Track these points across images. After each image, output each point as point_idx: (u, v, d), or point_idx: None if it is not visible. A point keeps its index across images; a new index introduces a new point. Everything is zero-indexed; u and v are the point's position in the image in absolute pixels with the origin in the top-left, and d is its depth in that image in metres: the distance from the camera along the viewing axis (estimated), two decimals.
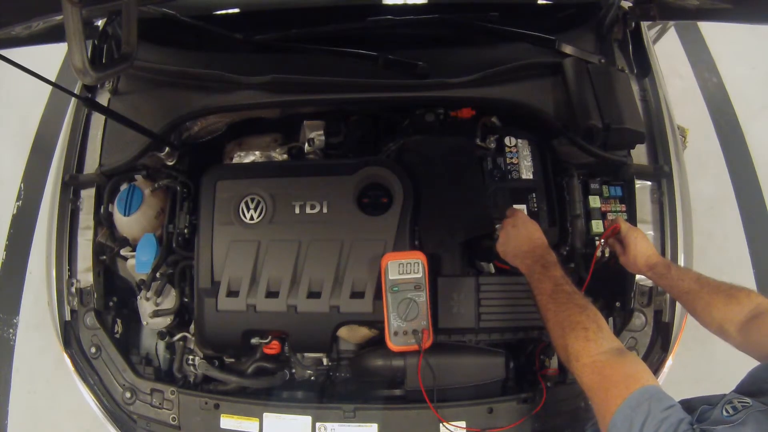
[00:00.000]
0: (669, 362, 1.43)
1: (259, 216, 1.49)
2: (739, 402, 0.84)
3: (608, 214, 1.57)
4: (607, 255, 1.53)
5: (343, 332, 1.49)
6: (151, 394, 1.46)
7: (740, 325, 1.07)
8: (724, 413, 0.83)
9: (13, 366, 2.68)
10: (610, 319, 1.55)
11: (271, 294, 1.44)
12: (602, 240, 1.47)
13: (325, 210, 1.48)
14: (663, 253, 1.51)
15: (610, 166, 1.59)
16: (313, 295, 1.44)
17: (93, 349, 1.52)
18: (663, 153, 1.60)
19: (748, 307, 1.08)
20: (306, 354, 1.56)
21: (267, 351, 1.53)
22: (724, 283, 1.17)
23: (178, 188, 1.67)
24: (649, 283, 1.47)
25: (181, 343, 1.62)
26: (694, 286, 1.20)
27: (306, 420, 1.38)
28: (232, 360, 1.60)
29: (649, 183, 1.58)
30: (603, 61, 1.63)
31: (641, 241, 1.34)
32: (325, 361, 1.56)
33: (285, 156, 1.71)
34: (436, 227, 1.49)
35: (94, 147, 1.70)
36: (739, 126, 3.17)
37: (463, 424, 1.34)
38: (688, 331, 1.44)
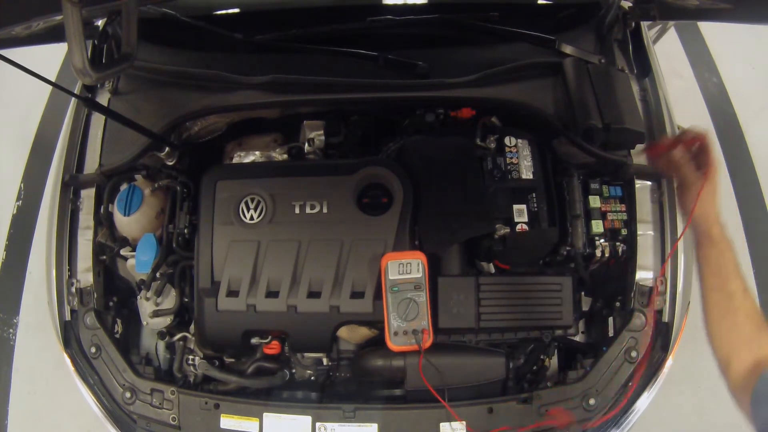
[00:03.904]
0: (669, 362, 1.43)
1: (259, 216, 1.49)
2: None
3: (608, 214, 1.57)
4: (607, 255, 1.53)
5: (343, 332, 1.49)
6: (151, 394, 1.46)
7: (746, 367, 0.94)
8: None
9: (13, 366, 2.68)
10: (610, 319, 1.55)
11: (271, 294, 1.44)
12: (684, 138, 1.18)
13: (325, 210, 1.48)
14: (663, 253, 1.51)
15: (610, 166, 1.58)
16: (313, 295, 1.44)
17: (93, 349, 1.52)
18: None
19: (764, 354, 0.94)
20: (306, 354, 1.56)
21: (267, 351, 1.53)
22: (759, 312, 1.00)
23: (178, 188, 1.67)
24: (649, 283, 1.47)
25: (181, 343, 1.61)
26: (739, 298, 1.00)
27: (306, 420, 1.38)
28: (232, 360, 1.60)
29: (649, 183, 1.57)
30: (603, 61, 1.63)
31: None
32: (325, 361, 1.56)
33: (285, 156, 1.71)
34: (436, 227, 1.49)
35: (94, 147, 1.70)
36: (739, 126, 3.17)
37: (463, 424, 1.34)
38: (688, 331, 1.43)
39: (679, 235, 1.45)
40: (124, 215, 1.62)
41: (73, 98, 1.71)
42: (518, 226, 1.48)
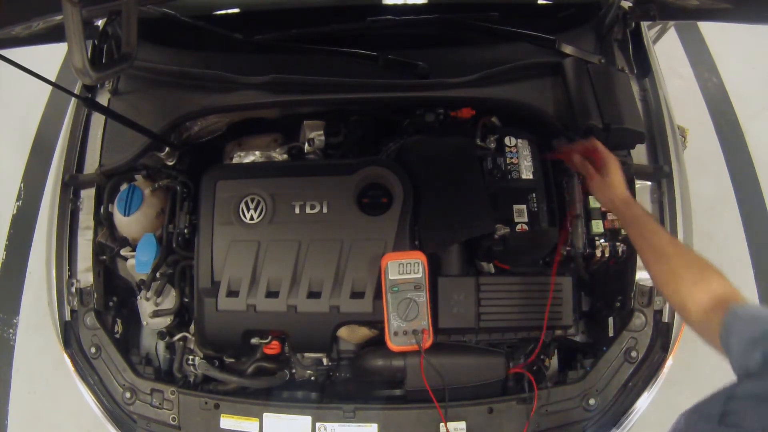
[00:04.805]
0: (669, 362, 1.43)
1: (259, 216, 1.49)
2: None
3: (608, 213, 1.57)
4: (607, 255, 1.53)
5: (343, 332, 1.49)
6: (151, 394, 1.46)
7: (704, 307, 1.00)
8: None
9: (13, 366, 2.68)
10: (610, 319, 1.55)
11: (271, 294, 1.44)
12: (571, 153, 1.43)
13: (325, 210, 1.48)
14: None
15: None
16: (313, 295, 1.44)
17: (93, 349, 1.52)
18: (663, 153, 1.60)
19: (717, 291, 1.01)
20: (306, 354, 1.56)
21: (267, 351, 1.53)
22: (698, 258, 1.10)
23: (178, 188, 1.67)
24: (649, 282, 1.47)
25: (181, 343, 1.62)
26: (669, 248, 1.12)
27: (306, 420, 1.38)
28: (232, 360, 1.60)
29: (649, 183, 1.58)
30: (603, 61, 1.63)
31: (620, 170, 1.31)
32: (325, 361, 1.56)
33: (285, 156, 1.71)
34: (436, 227, 1.49)
35: (94, 147, 1.70)
36: (739, 126, 3.17)
37: (463, 424, 1.34)
38: (688, 331, 1.43)
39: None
40: (124, 215, 1.62)
41: (73, 98, 1.72)
42: (518, 226, 1.48)
